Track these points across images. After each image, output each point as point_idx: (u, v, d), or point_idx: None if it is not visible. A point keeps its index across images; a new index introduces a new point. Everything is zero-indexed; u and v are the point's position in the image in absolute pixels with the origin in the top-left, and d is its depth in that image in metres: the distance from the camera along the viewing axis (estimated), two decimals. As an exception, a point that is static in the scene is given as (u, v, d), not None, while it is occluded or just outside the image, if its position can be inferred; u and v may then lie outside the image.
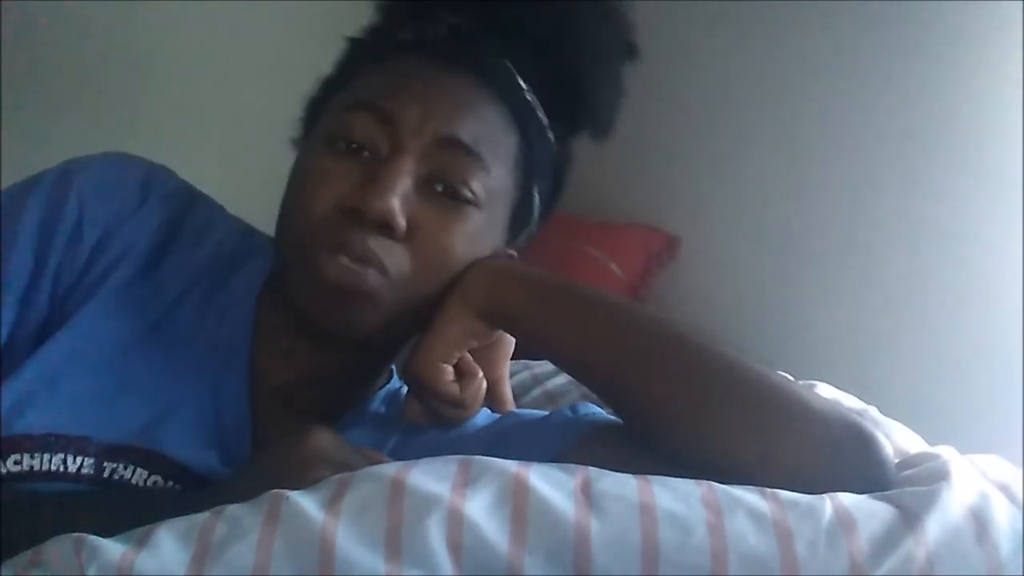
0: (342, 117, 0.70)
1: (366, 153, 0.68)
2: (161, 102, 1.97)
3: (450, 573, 0.48)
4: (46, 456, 0.63)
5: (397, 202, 0.66)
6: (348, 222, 0.66)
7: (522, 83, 0.73)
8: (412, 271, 0.68)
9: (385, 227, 0.66)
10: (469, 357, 0.72)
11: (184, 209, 0.75)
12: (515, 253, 0.78)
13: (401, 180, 0.67)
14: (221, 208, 0.79)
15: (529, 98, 0.74)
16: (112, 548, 0.48)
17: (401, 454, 0.68)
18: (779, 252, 1.92)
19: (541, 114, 0.75)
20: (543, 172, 0.76)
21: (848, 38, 1.81)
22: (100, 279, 0.70)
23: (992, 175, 1.62)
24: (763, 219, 1.96)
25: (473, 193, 0.69)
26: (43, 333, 0.68)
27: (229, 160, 1.89)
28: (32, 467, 0.63)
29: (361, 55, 0.76)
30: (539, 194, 0.77)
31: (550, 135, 0.76)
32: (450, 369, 0.70)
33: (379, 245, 0.66)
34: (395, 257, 0.67)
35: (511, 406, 0.83)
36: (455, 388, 0.71)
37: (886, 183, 1.76)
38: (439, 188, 0.69)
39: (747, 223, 1.99)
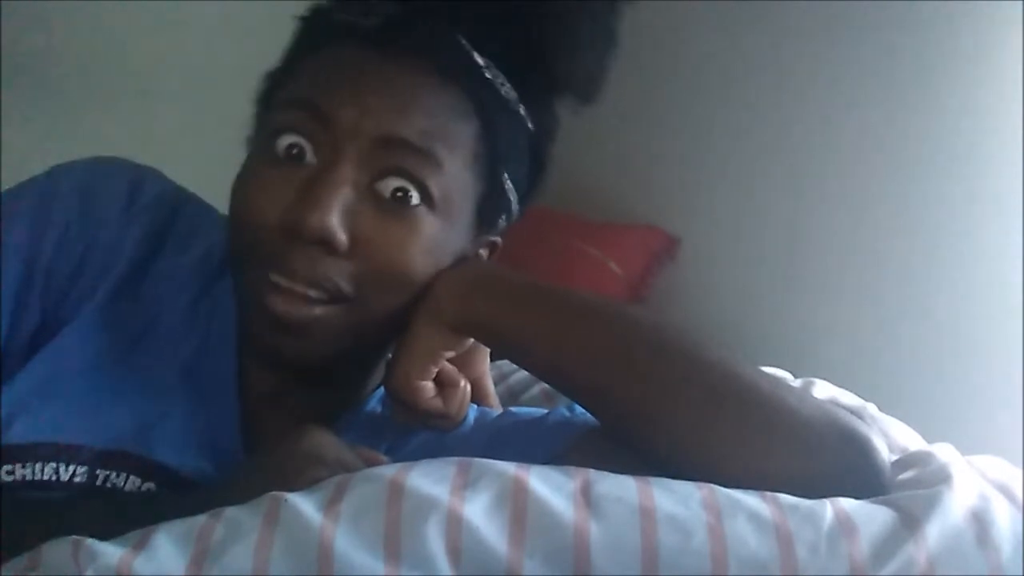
0: (280, 116, 0.65)
1: (307, 154, 0.63)
2: (161, 102, 1.97)
3: (449, 575, 0.48)
4: (38, 466, 0.62)
5: (335, 218, 0.61)
6: (291, 241, 0.62)
7: (478, 58, 0.66)
8: (365, 287, 0.64)
9: (325, 244, 0.62)
10: (449, 367, 0.69)
11: (172, 214, 0.73)
12: (486, 249, 0.73)
13: (338, 191, 0.62)
14: (213, 210, 0.76)
15: (488, 75, 0.67)
16: (110, 551, 0.48)
17: (398, 454, 0.68)
18: (779, 252, 1.92)
19: (506, 90, 0.68)
20: (514, 154, 0.70)
21: (848, 38, 1.81)
22: (90, 288, 0.69)
23: (992, 175, 1.61)
24: (763, 219, 1.95)
25: (425, 195, 0.64)
26: (35, 343, 0.67)
27: (229, 160, 1.88)
28: (24, 477, 0.62)
29: (302, 42, 0.70)
30: (513, 179, 0.70)
31: (520, 110, 0.69)
32: (429, 385, 0.67)
33: (326, 264, 0.62)
34: (345, 275, 0.63)
35: (494, 398, 0.82)
36: (437, 403, 0.68)
37: (886, 183, 1.76)
38: (386, 193, 0.63)
39: (747, 223, 1.99)
